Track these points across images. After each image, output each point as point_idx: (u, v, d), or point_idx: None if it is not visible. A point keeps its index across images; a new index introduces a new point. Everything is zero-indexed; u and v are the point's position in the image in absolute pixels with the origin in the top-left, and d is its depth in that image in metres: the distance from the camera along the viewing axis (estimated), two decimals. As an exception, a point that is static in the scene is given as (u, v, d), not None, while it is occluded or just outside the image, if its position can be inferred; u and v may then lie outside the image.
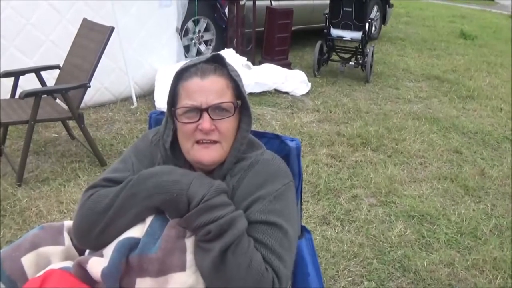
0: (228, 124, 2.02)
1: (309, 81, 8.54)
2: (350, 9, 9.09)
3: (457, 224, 4.58)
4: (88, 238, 2.02)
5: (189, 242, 1.86)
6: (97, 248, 2.01)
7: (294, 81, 8.36)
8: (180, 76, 2.07)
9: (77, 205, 2.08)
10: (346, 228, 4.41)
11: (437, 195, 5.09)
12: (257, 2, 9.29)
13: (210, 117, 1.98)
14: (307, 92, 8.32)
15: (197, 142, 2.01)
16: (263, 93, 8.04)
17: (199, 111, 1.98)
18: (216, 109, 1.99)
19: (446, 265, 3.98)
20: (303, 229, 2.40)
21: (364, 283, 3.71)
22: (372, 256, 4.02)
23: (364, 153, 5.99)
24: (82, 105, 5.71)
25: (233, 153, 2.06)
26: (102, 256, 1.94)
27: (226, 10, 9.13)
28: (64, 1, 6.52)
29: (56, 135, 6.12)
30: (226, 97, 2.02)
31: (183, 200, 1.86)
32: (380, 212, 4.69)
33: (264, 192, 1.97)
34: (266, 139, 2.36)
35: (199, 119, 1.98)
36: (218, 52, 2.12)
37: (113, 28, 5.26)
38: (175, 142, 2.11)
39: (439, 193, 5.15)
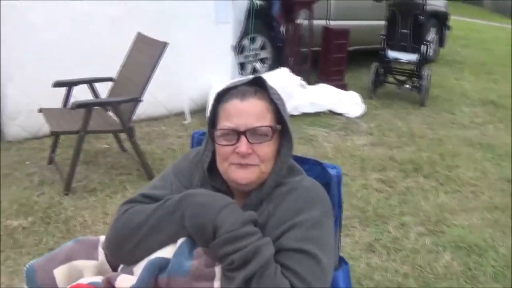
0: (266, 149, 1.99)
1: (364, 103, 8.48)
2: (407, 31, 9.03)
3: (505, 256, 4.45)
4: (120, 253, 2.02)
5: (218, 270, 1.84)
6: (130, 263, 2.01)
7: (349, 102, 8.32)
8: (221, 97, 2.06)
9: (113, 218, 2.10)
10: (392, 256, 4.33)
11: (487, 226, 4.96)
12: (314, 22, 9.27)
13: (247, 140, 1.95)
14: (362, 114, 8.26)
15: (233, 164, 1.99)
16: (317, 114, 8.01)
17: (237, 134, 1.96)
18: (254, 133, 1.96)
19: (491, 300, 3.88)
20: (341, 260, 2.33)
21: (406, 316, 3.65)
22: (416, 287, 3.94)
23: (415, 179, 5.90)
24: (135, 117, 5.76)
25: (273, 177, 2.03)
26: (132, 273, 1.94)
27: (283, 29, 9.13)
28: (121, 15, 6.61)
29: (107, 146, 6.20)
30: (265, 121, 1.99)
31: (209, 229, 1.84)
32: (427, 242, 4.59)
33: (300, 219, 1.92)
34: (309, 165, 2.32)
35: (236, 142, 1.96)
36: (260, 75, 2.10)
37: (166, 44, 5.29)
38: (213, 163, 2.09)
39: (489, 224, 5.01)
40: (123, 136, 5.84)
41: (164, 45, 5.28)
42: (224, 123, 1.99)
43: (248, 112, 1.98)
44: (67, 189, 4.96)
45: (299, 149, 6.49)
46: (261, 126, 1.97)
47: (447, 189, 5.70)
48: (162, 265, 1.86)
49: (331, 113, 8.20)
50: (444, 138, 7.44)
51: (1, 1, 5.91)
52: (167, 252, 1.91)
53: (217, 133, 2.01)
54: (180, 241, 1.92)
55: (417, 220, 4.97)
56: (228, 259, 1.78)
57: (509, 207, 5.37)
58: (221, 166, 2.04)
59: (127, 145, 5.89)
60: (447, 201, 5.39)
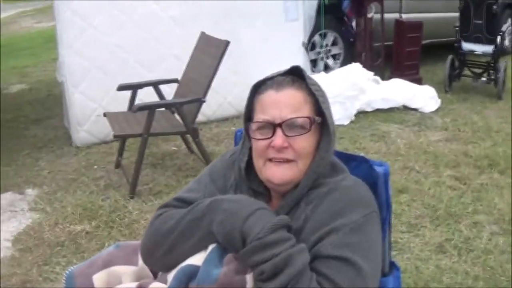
0: (304, 142, 1.89)
1: (439, 98, 8.28)
2: (480, 22, 8.75)
3: None
4: (153, 259, 1.99)
5: (250, 277, 1.75)
6: (163, 269, 1.97)
7: (423, 97, 8.14)
8: (257, 89, 1.98)
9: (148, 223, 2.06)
10: (463, 257, 4.17)
11: None
12: (385, 15, 9.12)
13: (283, 133, 1.86)
14: (437, 109, 8.07)
15: (270, 160, 1.90)
16: (390, 110, 7.87)
17: (273, 126, 1.87)
18: (290, 125, 1.87)
19: None
20: (392, 265, 2.18)
21: (475, 320, 3.51)
22: (486, 290, 3.78)
23: (490, 175, 5.69)
24: (204, 119, 5.77)
25: (309, 175, 1.92)
26: (166, 281, 1.89)
27: (354, 24, 9.02)
28: (187, 16, 6.61)
29: (175, 148, 6.21)
30: (302, 112, 1.89)
31: (236, 236, 1.75)
32: (501, 242, 4.40)
33: (339, 223, 1.80)
34: (356, 162, 2.19)
35: (272, 135, 1.87)
36: (298, 65, 2.00)
37: (228, 42, 5.24)
38: (251, 163, 2.01)
39: None
40: (190, 137, 5.79)
41: (226, 43, 5.24)
42: (260, 116, 1.91)
43: (284, 103, 1.89)
44: (132, 192, 4.99)
45: (371, 146, 6.42)
46: (298, 117, 1.87)
47: (524, 186, 5.49)
48: (192, 273, 1.80)
49: (405, 108, 8.05)
50: (522, 132, 7.19)
51: (66, 8, 5.96)
52: (197, 259, 1.85)
53: (252, 126, 1.93)
54: (210, 247, 1.85)
55: (491, 219, 4.79)
56: (258, 269, 1.69)
57: None
58: (257, 163, 1.95)
59: (195, 146, 5.85)
60: (523, 199, 5.19)
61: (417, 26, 9.21)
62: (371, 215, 1.90)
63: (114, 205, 4.87)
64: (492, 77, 8.92)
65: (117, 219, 4.64)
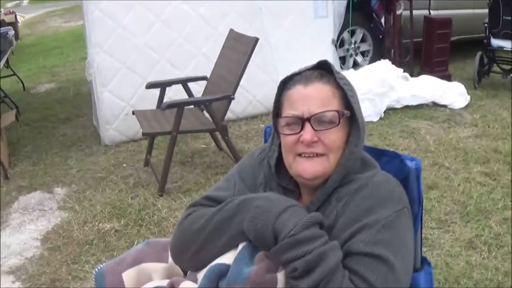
0: (333, 136, 1.89)
1: (468, 94, 8.23)
2: (510, 18, 8.69)
3: None
4: (183, 258, 2.00)
5: (281, 276, 1.74)
6: (191, 269, 1.98)
7: (452, 93, 8.10)
8: (285, 85, 1.98)
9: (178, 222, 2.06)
10: (493, 253, 4.15)
11: None
12: (414, 12, 9.08)
13: (312, 127, 1.86)
14: (466, 106, 8.02)
15: (299, 155, 1.90)
16: (419, 106, 7.84)
17: (301, 121, 1.87)
18: (319, 119, 1.87)
19: None
20: (424, 260, 2.18)
21: (505, 316, 3.49)
22: (517, 286, 3.76)
23: (520, 171, 5.68)
24: (234, 116, 5.76)
25: (338, 169, 1.92)
26: (196, 280, 1.90)
27: (383, 20, 9.00)
28: (216, 14, 6.62)
29: (204, 146, 6.22)
30: (331, 106, 1.89)
31: (268, 233, 1.75)
32: (531, 238, 4.40)
33: (371, 220, 1.80)
34: (387, 157, 2.20)
35: (301, 130, 1.87)
36: (325, 59, 2.00)
37: (257, 39, 5.25)
38: (280, 160, 2.01)
39: None
40: (220, 135, 5.80)
41: (255, 40, 5.24)
42: (288, 111, 1.92)
43: (313, 97, 1.89)
44: (162, 190, 5.02)
45: (400, 143, 6.40)
46: (327, 111, 1.88)
47: (554, 182, 5.44)
48: (222, 272, 1.80)
49: (435, 105, 8.01)
50: (552, 128, 7.13)
51: (95, 8, 6.00)
52: (228, 258, 1.85)
53: (281, 122, 1.94)
54: (241, 246, 1.85)
55: (521, 215, 4.76)
56: (291, 266, 1.68)
57: None
58: (287, 159, 1.96)
59: (224, 144, 5.86)
60: (554, 194, 5.16)
61: (446, 22, 9.15)
62: (403, 211, 1.89)
63: (143, 203, 4.89)
64: (522, 73, 8.85)
65: (146, 217, 4.66)
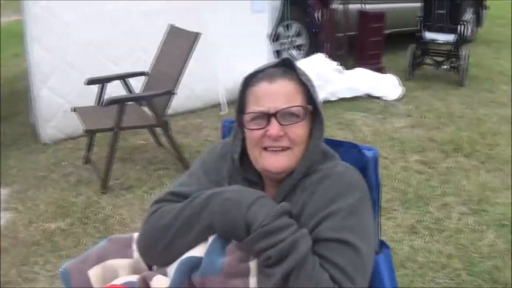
0: (298, 130, 1.94)
1: (402, 85, 8.43)
2: (443, 11, 8.94)
3: (551, 234, 4.43)
4: (152, 255, 2.01)
5: (253, 264, 1.79)
6: (161, 265, 1.99)
7: (386, 85, 8.29)
8: (248, 82, 2.01)
9: (143, 219, 2.08)
10: (435, 237, 4.30)
11: (530, 203, 4.92)
12: (349, 6, 9.24)
13: (278, 122, 1.91)
14: (400, 97, 8.21)
15: (265, 149, 1.95)
16: (354, 98, 7.99)
17: (267, 116, 1.91)
18: (285, 114, 1.91)
19: (538, 277, 3.83)
20: (382, 244, 2.24)
21: (452, 296, 3.62)
22: (461, 267, 3.89)
23: (456, 159, 5.86)
24: (172, 111, 5.76)
25: (304, 162, 1.97)
26: (166, 274, 1.92)
27: (318, 14, 9.10)
28: (155, 10, 6.62)
29: (143, 142, 6.22)
30: (295, 102, 1.94)
31: (241, 225, 1.79)
32: (471, 221, 4.55)
33: (336, 207, 1.86)
34: (344, 148, 2.25)
35: (267, 125, 1.91)
36: (288, 57, 2.07)
37: (198, 34, 5.27)
38: (244, 153, 2.06)
39: (532, 201, 4.98)
40: (159, 130, 5.82)
41: (196, 35, 5.26)
42: (254, 107, 1.95)
43: (278, 93, 1.93)
44: (104, 187, 4.98)
45: (338, 134, 6.49)
46: (292, 106, 1.93)
47: (489, 168, 5.65)
48: (194, 264, 1.83)
49: (369, 97, 8.20)
50: (484, 117, 7.37)
51: (35, 3, 5.94)
52: (199, 250, 1.88)
53: (246, 117, 1.97)
54: (211, 238, 1.88)
55: (459, 200, 4.94)
56: (265, 255, 1.73)
57: (552, 184, 5.31)
58: (252, 153, 2.00)
59: (164, 139, 5.89)
60: (489, 180, 5.35)
61: (379, 16, 9.37)
62: (364, 198, 1.98)
63: (87, 201, 4.85)
64: (454, 64, 9.11)
65: (91, 215, 4.63)
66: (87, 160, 5.58)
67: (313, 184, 1.95)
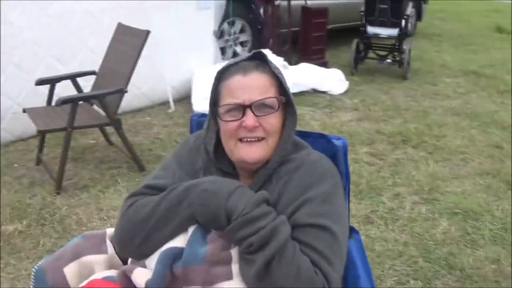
0: (272, 120, 1.98)
1: (346, 80, 8.55)
2: (385, 6, 9.08)
3: (501, 220, 4.53)
4: (130, 248, 2.00)
5: (234, 252, 1.83)
6: (139, 258, 1.99)
7: (331, 80, 8.37)
8: (222, 75, 2.04)
9: (119, 213, 2.06)
10: (390, 227, 4.38)
11: (480, 191, 5.04)
12: (292, 2, 9.31)
13: (253, 113, 1.94)
14: (345, 91, 8.33)
15: (240, 140, 1.98)
16: (301, 93, 8.02)
17: (242, 108, 1.95)
18: (259, 106, 1.95)
19: (492, 262, 3.91)
20: (352, 230, 2.30)
21: (410, 282, 3.68)
22: (417, 254, 3.98)
23: (404, 150, 5.97)
24: (120, 110, 5.72)
25: (278, 152, 2.02)
26: (144, 266, 1.93)
27: (261, 11, 9.14)
28: (101, 8, 6.58)
29: (94, 141, 6.16)
30: (269, 93, 1.97)
31: (222, 214, 1.82)
32: (423, 210, 4.65)
33: (311, 194, 1.91)
34: (312, 138, 2.30)
35: (242, 117, 1.94)
36: (260, 50, 2.10)
37: (148, 32, 5.25)
38: (218, 145, 2.09)
39: (482, 189, 5.10)
40: (109, 130, 5.80)
41: (146, 33, 5.23)
42: (229, 100, 1.98)
43: (252, 86, 1.96)
44: (59, 188, 4.91)
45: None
46: (267, 98, 1.96)
47: (437, 158, 5.77)
48: (175, 255, 1.84)
49: (315, 91, 8.26)
50: (429, 109, 7.52)
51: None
52: (179, 241, 1.89)
53: (221, 110, 1.99)
54: (191, 229, 1.90)
55: (411, 190, 5.03)
56: (246, 242, 1.76)
57: (500, 172, 5.45)
58: (228, 144, 2.03)
59: (114, 138, 5.88)
60: (438, 170, 5.47)
61: (322, 12, 9.45)
62: (337, 185, 2.03)
63: (42, 202, 4.77)
64: (397, 58, 9.26)
65: (48, 216, 4.56)
66: (39, 161, 5.50)
67: (288, 173, 2.00)
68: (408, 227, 4.37)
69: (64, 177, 5.01)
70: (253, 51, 2.10)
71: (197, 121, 2.51)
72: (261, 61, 2.06)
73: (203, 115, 2.42)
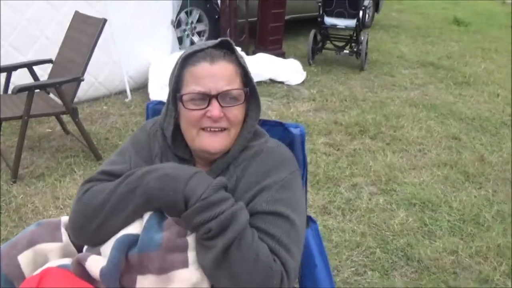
0: (237, 112, 1.94)
1: (304, 70, 8.52)
2: (343, -3, 9.07)
3: (459, 211, 4.53)
4: (85, 234, 1.95)
5: (191, 239, 1.79)
6: (94, 244, 1.94)
7: (289, 70, 8.33)
8: (187, 60, 1.97)
9: (74, 199, 2.01)
10: (348, 217, 4.36)
11: (437, 182, 5.04)
12: (249, -9, 9.24)
13: (219, 104, 1.90)
14: (303, 81, 8.30)
15: (203, 129, 1.93)
16: (258, 83, 7.68)
17: (208, 97, 1.90)
18: (225, 96, 1.91)
19: (449, 253, 3.92)
20: (309, 219, 2.29)
21: (367, 273, 3.66)
22: (375, 245, 3.97)
23: (362, 141, 5.95)
24: (76, 99, 5.64)
25: (240, 141, 1.99)
26: (99, 254, 1.88)
27: (219, 1, 9.08)
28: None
29: (50, 130, 6.07)
30: (235, 84, 1.94)
31: (179, 199, 1.78)
32: (381, 201, 4.64)
33: (270, 182, 1.89)
34: (268, 126, 2.27)
35: (207, 106, 1.90)
36: (227, 38, 2.05)
37: (105, 20, 5.18)
38: (175, 131, 2.03)
39: (439, 180, 5.10)
40: (65, 118, 5.73)
41: (103, 21, 5.16)
42: (193, 87, 1.92)
43: (219, 75, 1.92)
44: (15, 176, 4.84)
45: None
46: (233, 89, 1.92)
47: (394, 149, 5.76)
48: (131, 242, 1.81)
49: (272, 82, 8.21)
50: (387, 100, 7.52)
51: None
52: (135, 228, 1.85)
53: (185, 97, 1.94)
54: (147, 215, 1.86)
55: (368, 181, 5.02)
56: (205, 228, 1.73)
57: (457, 163, 5.45)
58: (189, 133, 1.98)
59: (71, 127, 5.80)
60: (396, 161, 5.45)
61: (280, 2, 9.38)
62: (296, 173, 2.01)
63: (-3, 191, 4.74)
64: (354, 49, 9.25)
65: (3, 204, 4.48)
66: (-5, 149, 5.42)
67: (246, 159, 1.98)
68: (366, 217, 4.36)
69: (20, 166, 4.94)
70: (221, 38, 2.02)
71: (153, 109, 2.47)
72: (227, 50, 2.00)
73: (160, 102, 2.37)
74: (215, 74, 1.91)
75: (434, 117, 6.87)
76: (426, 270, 3.71)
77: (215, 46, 2.00)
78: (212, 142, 1.93)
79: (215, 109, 1.89)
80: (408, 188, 4.87)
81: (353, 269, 3.69)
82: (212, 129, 1.93)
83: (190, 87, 1.93)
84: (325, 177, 5.01)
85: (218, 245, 1.70)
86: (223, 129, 1.94)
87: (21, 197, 4.57)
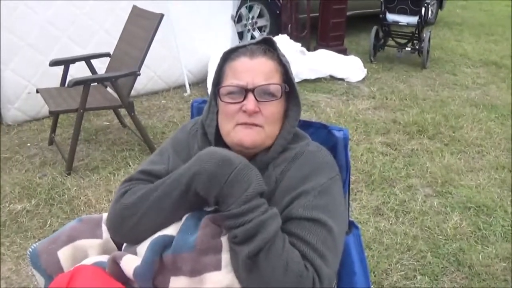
0: (273, 108, 1.94)
1: (364, 67, 8.45)
2: (406, -7, 8.97)
3: (515, 216, 4.46)
4: (121, 233, 1.97)
5: (225, 241, 1.78)
6: (131, 243, 1.97)
7: (349, 67, 8.28)
8: (228, 55, 2.00)
9: (113, 198, 2.03)
10: (400, 219, 4.31)
11: (494, 186, 4.94)
12: (311, -13, 9.21)
13: (255, 98, 1.89)
14: (363, 79, 8.24)
15: (238, 124, 1.93)
16: (317, 80, 7.96)
17: (245, 91, 1.90)
18: (262, 91, 1.91)
19: (502, 260, 3.83)
20: (351, 224, 2.26)
21: (417, 278, 3.62)
22: (426, 249, 3.91)
23: (420, 141, 5.88)
24: (135, 93, 5.71)
25: (279, 141, 1.98)
26: (135, 253, 1.90)
27: (280, -5, 9.08)
28: (117, -11, 6.53)
29: (107, 123, 6.15)
30: (274, 80, 1.94)
31: (220, 182, 1.76)
32: (435, 203, 4.57)
33: (308, 186, 1.88)
34: (313, 128, 2.27)
35: (243, 100, 1.90)
36: (269, 36, 2.05)
37: (162, 15, 5.22)
38: (217, 128, 2.04)
39: (496, 183, 5.00)
40: (123, 112, 5.76)
41: (160, 16, 5.21)
42: (232, 81, 1.94)
43: (257, 70, 1.93)
44: (69, 168, 4.92)
45: (302, 116, 6.37)
46: (270, 84, 1.92)
47: (453, 150, 5.67)
48: (166, 243, 1.81)
49: (332, 78, 8.17)
50: (447, 100, 7.41)
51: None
52: (171, 229, 1.87)
53: (223, 90, 1.95)
54: (184, 217, 1.87)
55: (424, 182, 4.95)
56: (232, 233, 1.73)
57: (515, 166, 5.35)
58: (225, 127, 1.97)
59: (128, 120, 5.85)
60: (453, 162, 5.37)
61: (342, -3, 9.31)
62: (336, 178, 1.98)
63: (52, 182, 4.78)
64: (416, 47, 9.15)
65: (56, 196, 4.57)
66: (52, 142, 5.51)
67: (286, 161, 1.97)
68: (419, 220, 4.30)
69: (75, 158, 5.03)
70: (263, 36, 2.05)
71: (198, 107, 2.49)
72: (269, 47, 2.01)
73: (204, 101, 2.37)
74: (254, 69, 1.93)
75: (494, 118, 6.73)
76: (477, 276, 3.65)
77: (257, 43, 2.01)
78: (246, 135, 1.91)
79: (250, 102, 1.89)
80: (464, 191, 4.79)
81: (402, 273, 3.65)
82: (247, 124, 1.92)
83: (229, 81, 1.95)
84: (380, 178, 4.98)
85: (243, 251, 1.70)
86: (257, 126, 1.92)
87: (75, 189, 4.65)
